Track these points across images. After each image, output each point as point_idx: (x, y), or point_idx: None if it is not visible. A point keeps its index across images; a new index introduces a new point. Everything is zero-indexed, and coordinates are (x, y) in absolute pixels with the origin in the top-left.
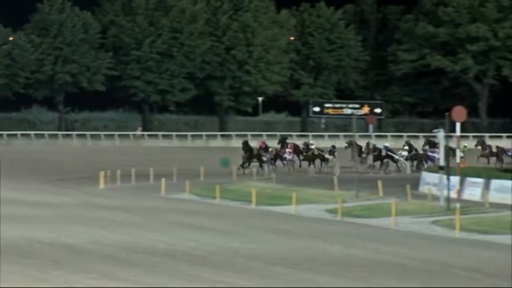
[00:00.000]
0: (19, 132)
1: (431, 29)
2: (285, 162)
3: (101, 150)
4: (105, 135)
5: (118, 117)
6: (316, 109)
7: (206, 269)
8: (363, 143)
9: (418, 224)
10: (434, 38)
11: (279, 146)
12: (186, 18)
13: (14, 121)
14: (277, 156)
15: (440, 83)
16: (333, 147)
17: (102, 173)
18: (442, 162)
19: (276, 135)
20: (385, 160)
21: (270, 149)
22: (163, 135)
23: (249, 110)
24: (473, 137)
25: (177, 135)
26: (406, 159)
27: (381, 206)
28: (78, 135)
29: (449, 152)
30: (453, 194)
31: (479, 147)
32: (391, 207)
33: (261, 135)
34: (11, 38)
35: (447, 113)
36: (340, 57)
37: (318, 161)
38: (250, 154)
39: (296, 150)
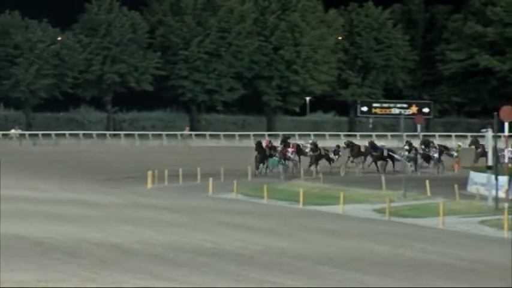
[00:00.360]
0: (67, 132)
1: (479, 29)
2: (288, 162)
3: (148, 150)
4: (153, 135)
5: (166, 117)
6: (364, 109)
7: (253, 269)
8: (362, 142)
9: (466, 223)
10: (483, 37)
11: (282, 145)
12: (234, 18)
13: (63, 121)
14: (284, 155)
15: (488, 83)
16: (338, 147)
17: (149, 173)
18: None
19: (324, 135)
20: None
21: (278, 148)
22: (211, 135)
23: (297, 109)
24: None
25: (224, 135)
26: (409, 159)
27: (428, 205)
28: (126, 135)
29: (443, 151)
30: (501, 194)
31: (473, 147)
32: (438, 207)
33: (308, 135)
34: (59, 38)
35: (495, 113)
36: (388, 57)
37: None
38: (263, 154)
39: (298, 150)
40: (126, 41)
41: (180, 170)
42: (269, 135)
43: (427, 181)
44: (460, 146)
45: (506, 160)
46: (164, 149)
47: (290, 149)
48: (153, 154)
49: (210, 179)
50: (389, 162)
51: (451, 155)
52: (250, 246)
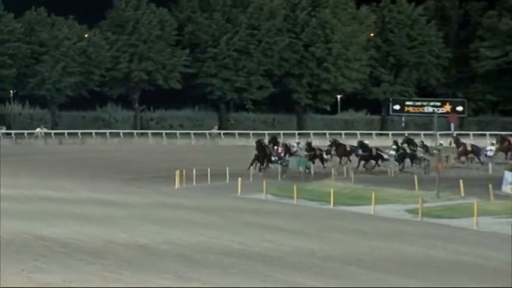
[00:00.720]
0: (94, 131)
1: None
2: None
3: (176, 149)
4: (181, 134)
5: (194, 116)
6: (396, 107)
7: (281, 270)
8: (347, 142)
9: (501, 224)
10: None
11: (271, 145)
12: (263, 14)
13: (89, 120)
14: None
15: None
16: (330, 146)
17: (177, 173)
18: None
19: (355, 134)
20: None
21: (276, 147)
22: (240, 134)
23: (328, 108)
24: None
25: (254, 134)
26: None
27: (462, 206)
28: (154, 134)
29: (423, 149)
30: None
31: (454, 145)
32: (472, 207)
33: (339, 134)
34: (86, 35)
35: None
36: (421, 54)
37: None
38: (263, 153)
39: (286, 149)
40: (154, 38)
41: (209, 170)
42: (299, 134)
43: (461, 181)
44: (441, 144)
45: (486, 157)
46: (192, 148)
47: (280, 148)
48: (181, 153)
49: (239, 179)
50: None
51: (432, 154)
52: (278, 247)
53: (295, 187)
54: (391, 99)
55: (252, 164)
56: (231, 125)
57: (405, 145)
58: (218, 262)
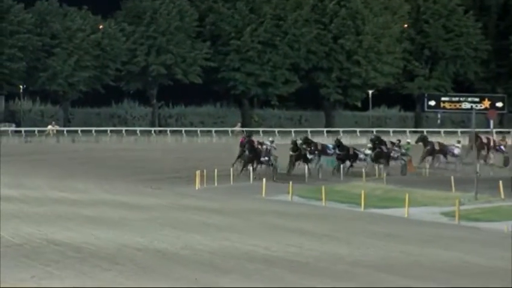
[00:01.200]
0: (109, 129)
1: None
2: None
3: (196, 147)
4: (202, 131)
5: (215, 112)
6: (432, 103)
7: (307, 276)
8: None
9: None
10: None
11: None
12: (290, 4)
13: (104, 116)
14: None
15: None
16: (315, 146)
17: (197, 173)
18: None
19: (387, 132)
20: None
21: (264, 146)
22: (265, 132)
23: (358, 104)
24: None
25: (279, 132)
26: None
27: (502, 208)
28: (173, 132)
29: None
30: None
31: (421, 144)
32: None
33: (371, 131)
34: (100, 27)
35: None
36: (459, 46)
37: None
38: (255, 154)
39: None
40: (173, 29)
41: (231, 170)
42: (328, 132)
43: (501, 182)
44: (409, 143)
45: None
46: (214, 147)
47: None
48: (202, 152)
49: (264, 180)
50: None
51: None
52: (305, 252)
53: (323, 188)
54: (426, 95)
55: (247, 164)
56: (255, 122)
57: (373, 143)
58: (241, 268)
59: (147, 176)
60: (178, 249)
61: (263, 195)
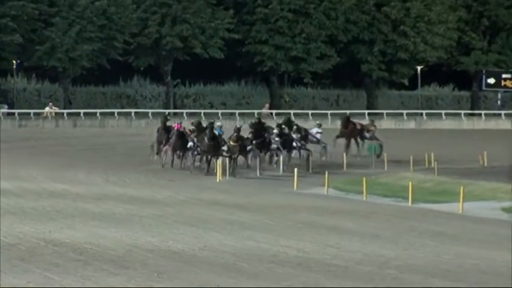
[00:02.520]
0: (116, 111)
1: None
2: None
3: None
4: (223, 114)
5: (239, 92)
6: (491, 81)
7: (347, 282)
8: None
9: None
10: None
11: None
12: None
13: (110, 96)
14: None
15: None
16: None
17: (219, 162)
18: None
19: (439, 114)
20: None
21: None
22: (297, 114)
23: (405, 82)
24: None
25: (313, 114)
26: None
27: None
28: (190, 114)
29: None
30: None
31: (341, 126)
32: None
33: (420, 113)
34: None
35: None
36: None
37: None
38: (183, 140)
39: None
40: None
41: (257, 159)
42: (369, 114)
43: None
44: (320, 125)
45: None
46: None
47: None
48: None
49: (295, 170)
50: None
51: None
52: (344, 254)
53: (364, 180)
54: (484, 71)
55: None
56: (285, 103)
57: (283, 128)
58: (269, 272)
59: (161, 165)
60: (197, 251)
61: (294, 188)
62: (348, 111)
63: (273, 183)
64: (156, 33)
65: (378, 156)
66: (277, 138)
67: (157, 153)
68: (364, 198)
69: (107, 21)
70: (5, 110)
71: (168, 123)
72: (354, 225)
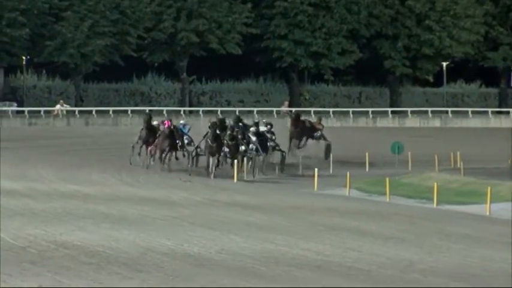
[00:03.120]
0: (129, 108)
1: None
2: None
3: None
4: (241, 111)
5: (258, 89)
6: None
7: (369, 286)
8: None
9: None
10: None
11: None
12: None
13: (124, 94)
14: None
15: None
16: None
17: (235, 162)
18: None
19: (465, 112)
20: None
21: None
22: (317, 112)
23: (430, 79)
24: None
25: (334, 112)
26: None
27: None
28: (206, 112)
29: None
30: None
31: (291, 125)
32: None
33: (445, 111)
34: None
35: None
36: None
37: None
38: (174, 140)
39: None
40: None
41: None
42: (393, 112)
43: None
44: (269, 124)
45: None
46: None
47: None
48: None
49: (315, 170)
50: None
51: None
52: (366, 258)
53: (387, 180)
54: None
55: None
56: (305, 101)
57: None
58: (288, 276)
59: (175, 165)
60: (213, 254)
61: (315, 188)
62: (370, 109)
63: (293, 183)
64: (171, 27)
65: (326, 157)
66: (254, 138)
67: (139, 154)
68: (388, 200)
69: (120, 16)
70: (14, 108)
71: (155, 122)
72: (376, 227)
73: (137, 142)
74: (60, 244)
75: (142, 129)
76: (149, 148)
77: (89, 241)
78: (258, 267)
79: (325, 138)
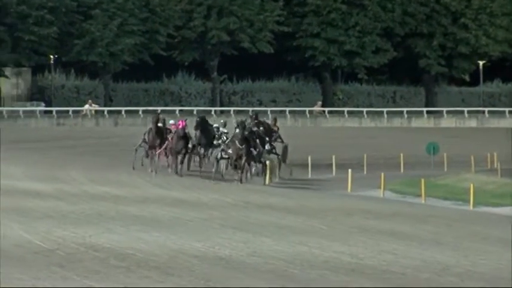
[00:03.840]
0: (159, 108)
1: None
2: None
3: None
4: (273, 111)
5: (290, 88)
6: None
7: None
8: None
9: None
10: None
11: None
12: None
13: (153, 93)
14: None
15: None
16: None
17: (268, 163)
18: None
19: (502, 112)
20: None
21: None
22: (350, 112)
23: (466, 78)
24: None
25: (368, 112)
26: None
27: None
28: (237, 112)
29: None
30: None
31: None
32: None
33: (482, 111)
34: None
35: None
36: None
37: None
38: (187, 140)
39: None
40: None
41: (309, 159)
42: (428, 112)
43: None
44: (225, 125)
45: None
46: (288, 131)
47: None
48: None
49: (349, 171)
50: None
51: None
52: (401, 261)
53: (422, 181)
54: None
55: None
56: (338, 101)
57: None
58: (322, 279)
59: (207, 166)
60: (245, 257)
61: (349, 190)
62: (404, 109)
63: (326, 185)
64: (201, 26)
65: (284, 160)
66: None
67: (147, 157)
68: (423, 201)
69: (149, 14)
70: (42, 108)
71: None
72: (411, 229)
73: (140, 145)
74: (89, 247)
75: (149, 131)
76: (157, 151)
77: (119, 244)
78: (291, 271)
79: (282, 140)
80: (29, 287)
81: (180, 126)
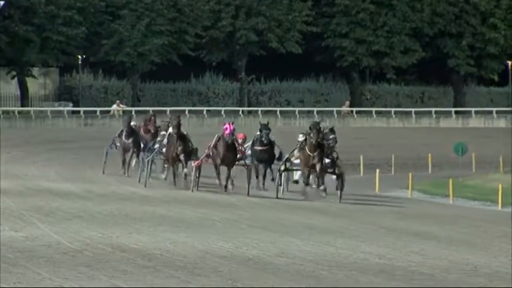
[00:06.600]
0: (187, 108)
1: None
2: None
3: (293, 131)
4: (301, 111)
5: (318, 89)
6: None
7: None
8: None
9: None
10: None
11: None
12: None
13: (181, 93)
14: None
15: None
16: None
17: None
18: None
19: None
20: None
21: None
22: (378, 112)
23: (495, 78)
24: None
25: (396, 112)
26: None
27: None
28: (265, 112)
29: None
30: None
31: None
32: None
33: (510, 111)
34: None
35: None
36: None
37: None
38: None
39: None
40: None
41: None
42: (456, 112)
43: None
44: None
45: None
46: None
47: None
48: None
49: (377, 172)
50: None
51: None
52: (430, 261)
53: (450, 182)
54: None
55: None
56: (366, 101)
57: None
58: (350, 280)
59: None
60: (273, 257)
61: (376, 190)
62: (433, 109)
63: (354, 185)
64: (229, 26)
65: None
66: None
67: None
68: (451, 202)
69: (177, 14)
70: (70, 108)
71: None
72: (439, 230)
73: (111, 146)
74: (116, 247)
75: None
76: (195, 164)
77: (146, 244)
78: (319, 272)
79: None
80: (56, 287)
81: (228, 131)
